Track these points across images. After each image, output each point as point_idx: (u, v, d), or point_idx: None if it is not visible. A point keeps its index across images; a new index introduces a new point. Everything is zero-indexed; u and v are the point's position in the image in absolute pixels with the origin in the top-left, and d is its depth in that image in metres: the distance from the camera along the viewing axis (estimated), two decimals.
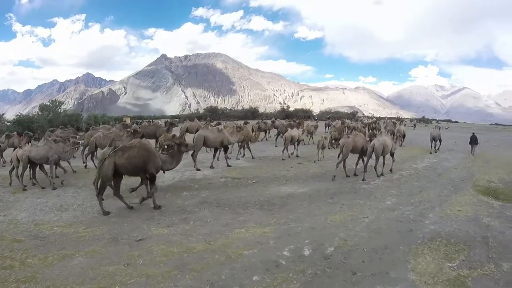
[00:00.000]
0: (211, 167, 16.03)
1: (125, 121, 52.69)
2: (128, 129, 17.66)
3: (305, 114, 71.49)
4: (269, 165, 17.40)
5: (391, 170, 15.90)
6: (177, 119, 51.17)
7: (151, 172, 9.87)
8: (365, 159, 15.00)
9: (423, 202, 11.07)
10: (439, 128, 26.01)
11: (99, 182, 9.72)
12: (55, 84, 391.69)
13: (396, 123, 34.69)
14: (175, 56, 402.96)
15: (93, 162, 16.17)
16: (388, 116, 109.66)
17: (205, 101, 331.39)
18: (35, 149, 13.17)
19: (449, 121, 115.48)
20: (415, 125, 56.65)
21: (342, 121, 32.81)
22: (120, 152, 9.59)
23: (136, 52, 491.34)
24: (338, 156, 15.44)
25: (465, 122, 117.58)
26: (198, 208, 10.42)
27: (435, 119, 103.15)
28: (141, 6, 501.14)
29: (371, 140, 15.38)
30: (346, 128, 29.40)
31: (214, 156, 16.87)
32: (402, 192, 12.42)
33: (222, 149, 16.65)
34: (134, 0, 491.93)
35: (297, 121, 31.66)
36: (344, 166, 14.90)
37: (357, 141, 14.83)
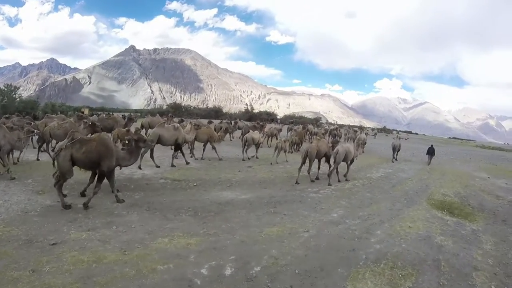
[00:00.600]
0: (172, 165, 15.33)
1: (83, 112, 47.07)
2: (85, 121, 16.62)
3: (269, 117, 70.72)
4: (217, 167, 16.20)
5: (345, 177, 15.69)
6: (139, 114, 48.50)
7: (102, 169, 9.22)
8: (324, 163, 15.33)
9: (372, 216, 10.25)
10: (400, 139, 26.72)
11: (57, 173, 9.15)
12: (17, 67, 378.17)
13: (357, 131, 35.79)
14: (144, 49, 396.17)
15: (49, 153, 14.98)
16: (351, 124, 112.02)
17: (171, 97, 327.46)
18: None
19: (410, 132, 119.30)
20: (375, 134, 57.92)
21: (304, 126, 32.14)
22: (78, 144, 9.03)
23: (104, 41, 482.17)
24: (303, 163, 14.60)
25: (424, 134, 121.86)
26: (126, 211, 9.24)
27: (396, 130, 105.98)
28: None
29: (333, 147, 15.52)
30: (308, 133, 29.93)
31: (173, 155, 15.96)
32: (352, 204, 11.53)
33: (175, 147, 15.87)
34: None
35: (260, 123, 31.03)
36: (308, 171, 14.70)
37: (320, 147, 14.75)
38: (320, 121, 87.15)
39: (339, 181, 14.95)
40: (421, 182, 16.73)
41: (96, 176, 9.43)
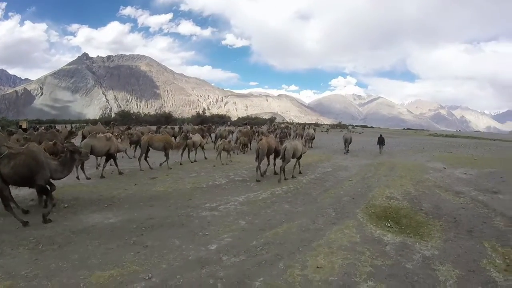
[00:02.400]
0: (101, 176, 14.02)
1: (21, 125, 45.69)
2: (24, 135, 16.28)
3: (221, 120, 71.81)
4: (116, 180, 13.56)
5: (300, 173, 15.37)
6: (85, 124, 45.86)
7: (39, 183, 8.48)
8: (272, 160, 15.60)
9: (270, 245, 7.15)
10: (351, 131, 29.42)
11: None
12: None
13: (305, 127, 36.20)
14: (98, 56, 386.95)
15: None
16: (308, 122, 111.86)
17: (127, 105, 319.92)
18: None
19: (365, 126, 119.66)
20: (327, 130, 58.51)
21: (250, 127, 32.97)
22: (5, 159, 8.26)
23: (56, 50, 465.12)
24: (256, 160, 14.55)
25: (379, 128, 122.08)
26: None
27: (351, 125, 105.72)
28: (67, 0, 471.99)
29: (281, 142, 16.76)
30: (256, 134, 29.86)
31: (103, 166, 14.82)
32: (254, 224, 8.50)
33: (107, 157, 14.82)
34: None
35: (206, 126, 31.86)
36: (258, 168, 14.38)
37: (269, 142, 14.95)
38: (275, 121, 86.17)
39: (285, 179, 13.99)
40: (363, 181, 13.70)
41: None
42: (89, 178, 13.49)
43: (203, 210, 9.56)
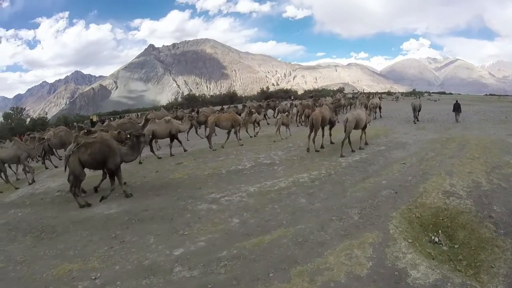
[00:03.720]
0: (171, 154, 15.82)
1: (92, 119, 50.12)
2: (84, 130, 16.82)
3: (286, 95, 71.17)
4: (139, 167, 13.96)
5: (365, 144, 14.85)
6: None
7: (110, 167, 9.85)
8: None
9: (237, 261, 6.01)
10: (419, 98, 27.32)
11: (71, 177, 9.73)
12: (45, 85, 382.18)
13: (369, 96, 33.19)
14: (163, 45, 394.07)
15: (51, 161, 17.15)
16: (381, 91, 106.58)
17: (197, 88, 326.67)
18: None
19: (443, 93, 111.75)
20: (397, 98, 54.67)
21: (315, 99, 32.72)
22: (83, 148, 9.62)
23: (123, 45, 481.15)
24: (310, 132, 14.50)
25: (459, 94, 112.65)
26: None
27: (428, 92, 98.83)
28: None
29: (336, 112, 17.02)
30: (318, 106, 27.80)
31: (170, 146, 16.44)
32: (245, 224, 7.49)
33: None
34: None
35: (266, 102, 32.89)
36: (313, 140, 14.38)
37: (323, 112, 14.69)
38: (344, 91, 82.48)
39: (353, 151, 13.62)
40: (420, 165, 11.35)
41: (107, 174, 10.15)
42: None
43: (203, 202, 9.07)
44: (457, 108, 23.35)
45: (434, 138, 16.39)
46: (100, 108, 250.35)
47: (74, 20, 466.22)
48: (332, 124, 15.45)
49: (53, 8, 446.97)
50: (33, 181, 13.50)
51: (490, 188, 8.80)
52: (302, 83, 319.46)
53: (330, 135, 15.64)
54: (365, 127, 14.78)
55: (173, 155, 15.55)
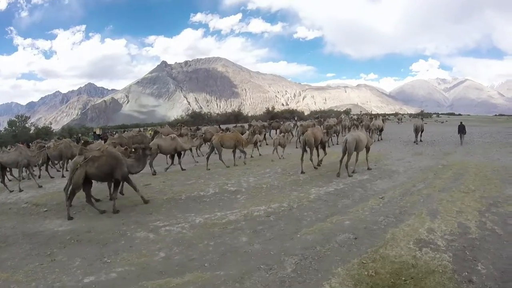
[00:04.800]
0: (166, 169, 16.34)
1: (95, 132, 52.48)
2: (112, 140, 18.97)
3: (291, 115, 73.67)
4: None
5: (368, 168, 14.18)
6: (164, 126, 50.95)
7: (117, 178, 10.13)
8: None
9: None
10: (422, 119, 27.50)
11: (70, 189, 9.85)
12: (58, 95, 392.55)
13: (372, 118, 32.83)
14: (176, 62, 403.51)
15: (47, 171, 17.14)
16: (390, 112, 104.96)
17: (207, 105, 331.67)
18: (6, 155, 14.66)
19: (452, 114, 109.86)
20: (399, 119, 54.22)
21: (319, 120, 32.52)
22: (90, 161, 9.80)
23: (137, 61, 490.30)
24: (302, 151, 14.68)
25: (468, 115, 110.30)
26: None
27: (437, 113, 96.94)
28: (141, 15, 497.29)
29: (327, 133, 17.74)
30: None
31: (172, 161, 17.17)
32: (167, 261, 6.68)
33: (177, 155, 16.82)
34: (133, 9, 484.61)
35: (269, 122, 33.29)
36: (310, 159, 14.65)
37: (315, 133, 14.90)
38: (350, 112, 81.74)
39: (350, 176, 12.89)
40: (400, 200, 9.55)
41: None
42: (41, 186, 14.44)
43: (143, 230, 8.42)
44: (461, 129, 22.94)
45: (429, 165, 14.59)
46: (110, 120, 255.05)
47: (91, 34, 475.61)
48: (322, 144, 15.69)
49: (71, 20, 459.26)
50: (20, 189, 13.67)
51: (480, 235, 6.82)
52: (311, 103, 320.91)
53: (318, 155, 15.63)
54: (368, 149, 14.62)
55: (185, 169, 16.17)
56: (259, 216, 8.82)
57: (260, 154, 19.84)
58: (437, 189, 10.37)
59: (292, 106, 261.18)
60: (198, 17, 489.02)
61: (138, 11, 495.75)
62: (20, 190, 13.46)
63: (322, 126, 23.87)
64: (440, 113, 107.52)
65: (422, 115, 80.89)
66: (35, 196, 12.42)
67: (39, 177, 16.53)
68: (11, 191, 13.52)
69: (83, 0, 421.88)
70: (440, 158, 16.42)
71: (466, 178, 11.75)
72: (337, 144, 23.68)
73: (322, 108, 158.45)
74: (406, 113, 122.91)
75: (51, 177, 16.46)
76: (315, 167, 14.58)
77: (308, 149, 14.51)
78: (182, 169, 16.07)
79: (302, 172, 13.80)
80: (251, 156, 19.05)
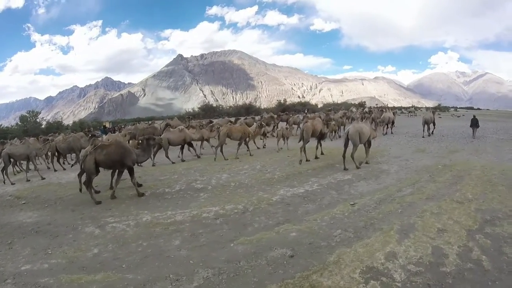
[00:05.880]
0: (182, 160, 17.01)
1: (105, 126, 49.84)
2: (129, 131, 21.72)
3: (303, 108, 71.18)
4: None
5: (366, 162, 13.57)
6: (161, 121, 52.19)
7: (129, 165, 10.60)
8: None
9: None
10: (432, 112, 25.16)
11: (86, 177, 10.45)
12: (75, 90, 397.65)
13: (383, 110, 31.06)
14: (192, 56, 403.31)
15: (59, 163, 17.92)
16: (406, 106, 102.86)
17: (223, 98, 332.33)
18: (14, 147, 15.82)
19: (471, 108, 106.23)
20: (410, 112, 53.13)
21: (327, 114, 30.60)
22: (99, 149, 10.42)
23: (153, 54, 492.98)
24: (299, 141, 15.13)
25: (488, 109, 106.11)
26: None
27: (455, 107, 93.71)
28: (156, 8, 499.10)
29: (327, 125, 18.08)
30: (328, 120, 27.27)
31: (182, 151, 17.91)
32: (107, 255, 6.78)
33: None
34: (149, 3, 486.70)
35: (279, 115, 32.39)
36: (301, 149, 14.66)
37: (314, 124, 15.14)
38: (365, 105, 79.18)
39: (357, 167, 12.63)
40: (374, 209, 8.02)
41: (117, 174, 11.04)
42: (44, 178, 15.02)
43: (93, 225, 8.53)
44: (475, 123, 22.21)
45: (428, 165, 12.81)
46: (127, 114, 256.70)
47: (107, 29, 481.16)
48: (322, 136, 15.81)
49: (87, 16, 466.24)
50: (28, 180, 14.70)
51: (458, 270, 5.00)
52: (328, 96, 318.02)
53: (321, 145, 15.86)
54: (369, 143, 14.06)
55: (199, 157, 17.53)
56: (207, 218, 8.37)
57: (264, 146, 20.15)
58: (425, 196, 8.64)
59: (308, 98, 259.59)
60: (214, 10, 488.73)
61: (154, 5, 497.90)
62: (28, 180, 14.60)
63: (342, 118, 25.77)
64: (458, 107, 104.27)
65: (439, 108, 78.36)
66: (19, 190, 12.98)
67: (50, 168, 17.74)
68: (13, 184, 14.17)
69: None
70: (443, 156, 14.59)
71: (465, 182, 9.90)
72: (339, 137, 23.13)
73: (339, 101, 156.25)
74: (423, 106, 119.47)
75: (64, 169, 17.26)
76: (307, 160, 14.50)
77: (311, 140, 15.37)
78: (198, 157, 17.49)
79: (302, 161, 14.26)
80: (257, 148, 19.45)
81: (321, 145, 15.78)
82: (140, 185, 11.41)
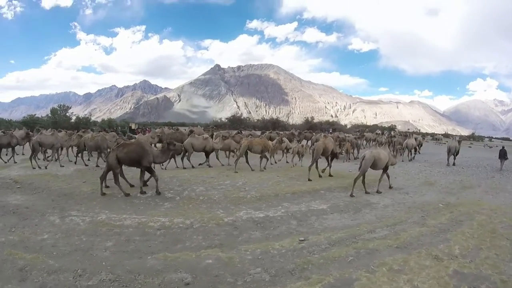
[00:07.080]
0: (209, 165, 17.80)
1: (131, 127, 54.06)
2: (157, 134, 22.89)
3: (330, 126, 75.03)
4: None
5: (390, 187, 13.10)
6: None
7: (145, 165, 11.46)
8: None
9: None
10: (458, 141, 24.30)
11: (106, 168, 11.49)
12: (114, 89, 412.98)
13: (407, 136, 31.39)
14: (229, 67, 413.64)
15: (82, 159, 18.29)
16: (440, 132, 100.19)
17: (256, 111, 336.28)
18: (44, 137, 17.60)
19: (507, 139, 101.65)
20: (437, 139, 52.65)
21: (361, 135, 32.86)
22: (121, 147, 11.48)
23: (192, 62, 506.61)
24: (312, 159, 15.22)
25: None
26: None
27: (490, 137, 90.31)
28: (199, 18, 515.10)
29: (340, 145, 20.70)
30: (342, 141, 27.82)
31: (207, 158, 18.46)
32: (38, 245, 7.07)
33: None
34: (192, 13, 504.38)
35: (299, 132, 32.86)
36: (316, 167, 15.27)
37: (326, 143, 15.42)
38: (395, 129, 78.69)
39: (366, 192, 12.06)
40: (323, 250, 6.72)
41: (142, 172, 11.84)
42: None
43: (58, 215, 9.09)
44: (503, 155, 21.67)
45: (428, 201, 11.12)
46: (161, 117, 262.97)
47: (150, 34, 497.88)
48: (334, 156, 16.36)
49: (132, 20, 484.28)
50: (46, 168, 15.97)
51: None
52: (361, 117, 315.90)
53: (330, 166, 16.09)
54: (386, 168, 13.27)
55: (211, 166, 17.73)
56: (151, 227, 8.28)
57: (275, 162, 20.23)
58: (397, 243, 6.99)
59: (341, 118, 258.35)
60: (254, 23, 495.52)
61: (196, 15, 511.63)
62: (61, 166, 16.52)
63: (357, 139, 26.62)
64: (494, 137, 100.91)
65: (472, 137, 75.93)
66: (20, 175, 14.17)
67: (75, 163, 18.25)
68: (39, 168, 15.73)
69: (144, 1, 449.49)
70: (452, 192, 12.77)
71: (460, 230, 8.05)
72: (356, 158, 23.50)
73: (372, 123, 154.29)
74: (458, 134, 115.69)
75: (85, 165, 17.67)
76: (309, 179, 14.42)
77: (321, 158, 15.59)
78: (209, 166, 17.82)
79: (309, 180, 14.35)
80: (275, 162, 20.01)
81: (330, 166, 15.98)
82: (132, 186, 12.30)
